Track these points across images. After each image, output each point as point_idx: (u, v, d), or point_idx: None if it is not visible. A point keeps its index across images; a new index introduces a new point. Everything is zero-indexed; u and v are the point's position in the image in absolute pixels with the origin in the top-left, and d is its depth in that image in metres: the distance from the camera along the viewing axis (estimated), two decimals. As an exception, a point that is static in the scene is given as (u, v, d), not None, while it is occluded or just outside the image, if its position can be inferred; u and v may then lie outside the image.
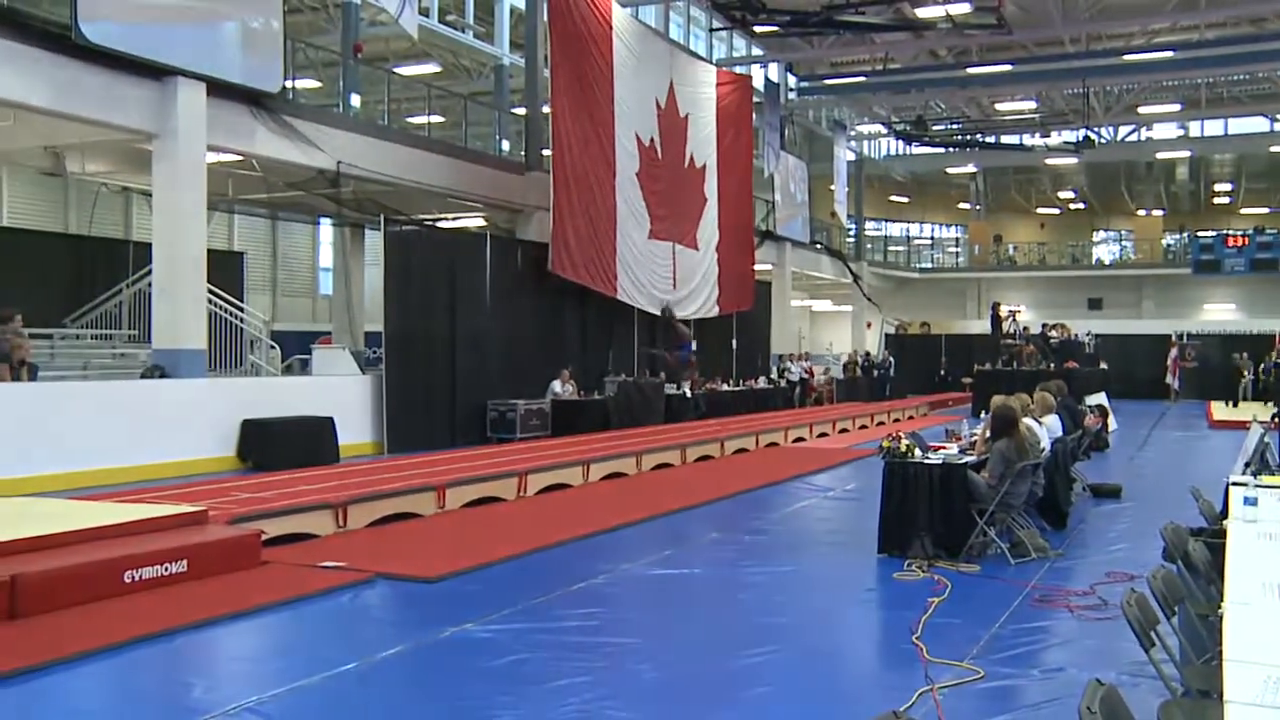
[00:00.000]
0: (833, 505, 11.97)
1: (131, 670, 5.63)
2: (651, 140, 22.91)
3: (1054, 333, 29.20)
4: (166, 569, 7.11)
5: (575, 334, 20.99)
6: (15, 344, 12.60)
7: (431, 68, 26.55)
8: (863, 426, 23.12)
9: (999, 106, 37.62)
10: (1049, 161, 41.35)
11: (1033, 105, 36.79)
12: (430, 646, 6.03)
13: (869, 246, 43.75)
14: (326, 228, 28.62)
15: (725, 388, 25.22)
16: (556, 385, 19.27)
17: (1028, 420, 9.24)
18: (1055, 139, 36.80)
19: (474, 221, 22.76)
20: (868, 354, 35.70)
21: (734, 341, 27.61)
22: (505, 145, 22.79)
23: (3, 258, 17.98)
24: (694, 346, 18.67)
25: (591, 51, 20.45)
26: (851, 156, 39.00)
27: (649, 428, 19.22)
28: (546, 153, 20.12)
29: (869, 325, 39.93)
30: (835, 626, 6.83)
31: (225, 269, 20.47)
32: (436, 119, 23.70)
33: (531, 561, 8.40)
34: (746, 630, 6.46)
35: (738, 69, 29.35)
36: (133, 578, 6.89)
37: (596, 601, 7.15)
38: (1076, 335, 30.05)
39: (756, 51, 31.27)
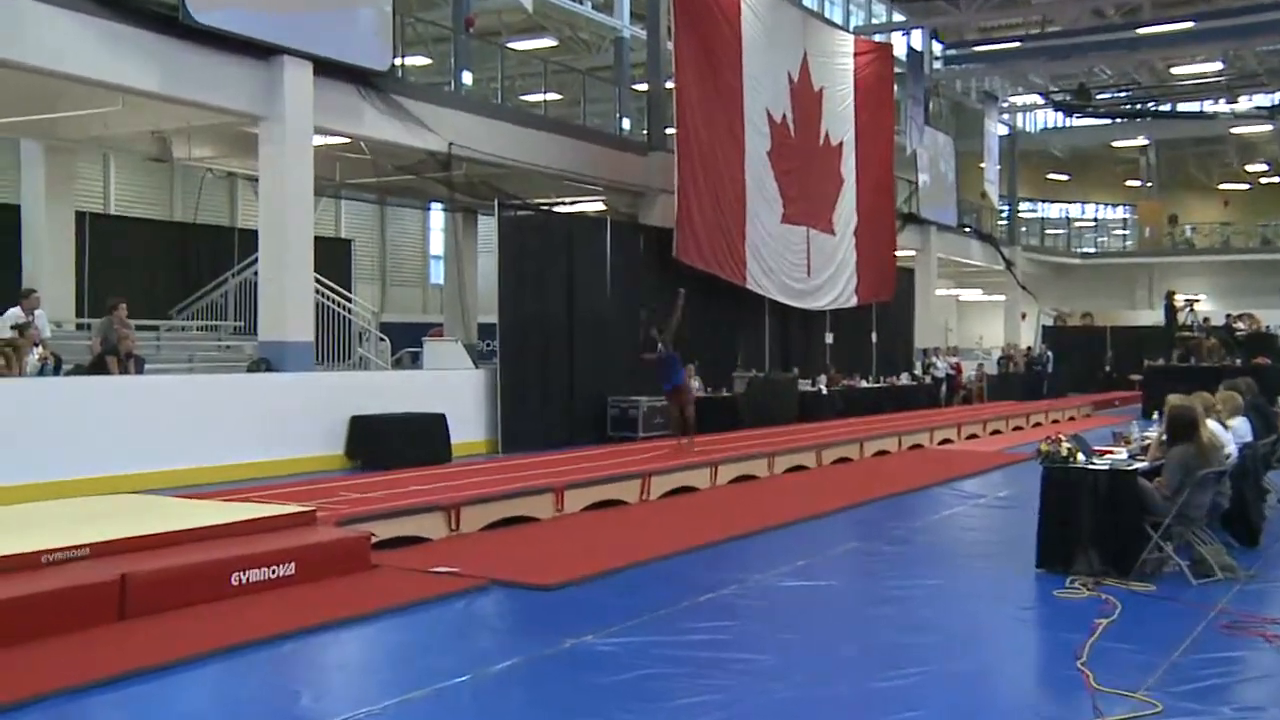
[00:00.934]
0: (984, 513, 11.69)
1: (239, 676, 5.80)
2: (783, 116, 22.71)
3: (1240, 324, 28.01)
4: (274, 572, 7.32)
5: (702, 325, 20.91)
6: (121, 335, 13.16)
7: (547, 42, 26.83)
8: (1017, 428, 22.54)
9: (1176, 70, 36.20)
10: (1236, 130, 39.59)
11: (1218, 67, 35.27)
12: (548, 659, 6.07)
13: (1023, 230, 42.64)
14: (437, 213, 29.18)
15: (864, 384, 24.90)
16: (681, 381, 19.17)
17: (1211, 423, 8.84)
18: (1244, 104, 35.21)
19: (593, 205, 22.91)
20: (1028, 349, 34.80)
21: (874, 335, 27.22)
22: (626, 124, 22.88)
23: (110, 246, 18.80)
24: (681, 372, 15.52)
25: (718, 21, 20.36)
26: (1004, 131, 38.06)
27: (781, 427, 19.08)
28: (670, 131, 20.12)
29: (1024, 316, 38.91)
30: (988, 647, 6.65)
31: (333, 257, 21.06)
32: (553, 96, 23.93)
33: (655, 570, 8.41)
34: (888, 649, 6.33)
35: (877, 37, 28.90)
36: (240, 580, 7.11)
37: (725, 614, 7.11)
38: (1267, 327, 28.73)
39: (898, 17, 30.76)
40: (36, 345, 12.58)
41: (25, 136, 16.91)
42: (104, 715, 5.21)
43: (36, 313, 13.19)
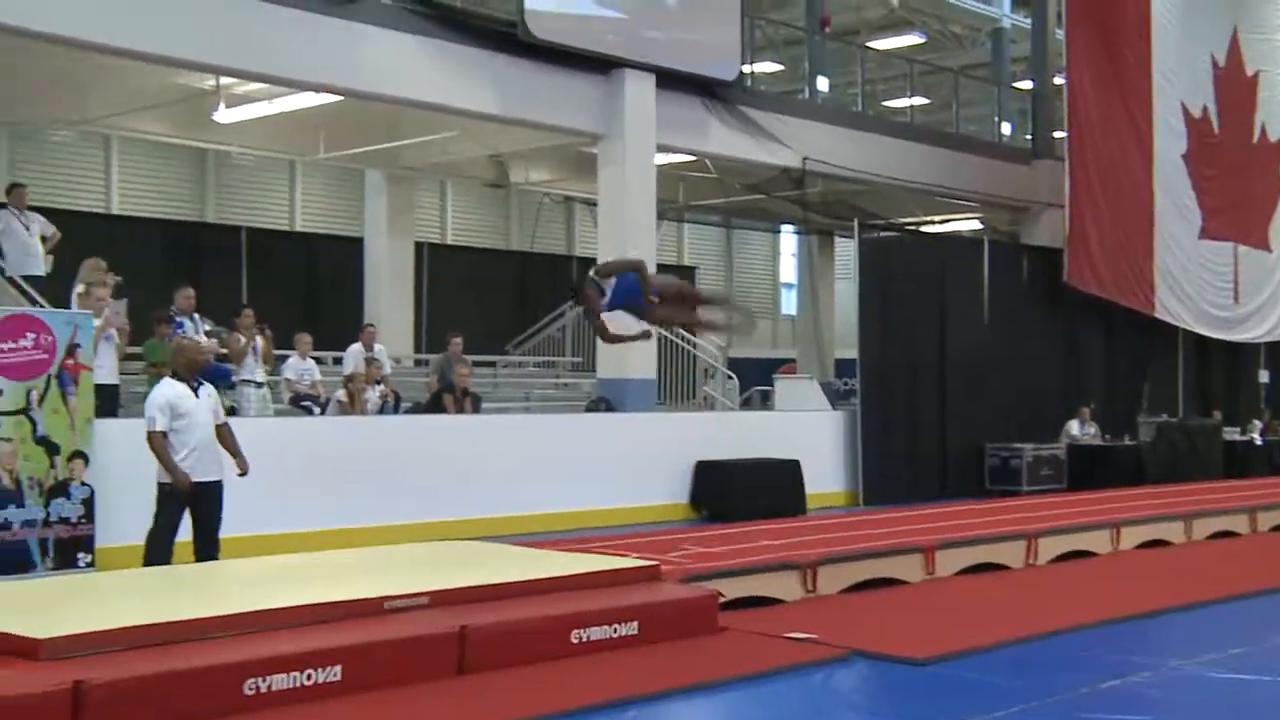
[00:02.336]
0: None
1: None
2: (1204, 110, 21.36)
3: None
4: (616, 630, 7.51)
5: (1098, 362, 20.00)
6: (459, 372, 14.07)
7: (913, 39, 26.59)
8: None
9: None
10: None
11: None
12: (921, 746, 5.91)
13: None
14: (789, 236, 29.45)
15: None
16: (1074, 426, 18.49)
17: None
18: None
19: (968, 224, 22.46)
20: None
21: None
22: (1006, 129, 22.28)
23: (448, 277, 20.19)
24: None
25: (1120, 3, 19.47)
26: None
27: (1200, 484, 17.84)
28: (1060, 135, 19.44)
29: None
30: None
31: (676, 287, 21.54)
32: (920, 101, 23.66)
33: (1046, 647, 8.02)
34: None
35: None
36: (580, 638, 7.34)
37: (1135, 705, 6.67)
38: None
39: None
40: (378, 382, 13.65)
41: (368, 167, 18.48)
42: (442, 774, 5.51)
43: (377, 348, 14.33)
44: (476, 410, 13.87)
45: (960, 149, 20.09)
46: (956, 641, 7.89)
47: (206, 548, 8.75)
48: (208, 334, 12.89)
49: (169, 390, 8.58)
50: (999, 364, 17.99)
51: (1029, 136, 21.47)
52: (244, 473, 8.86)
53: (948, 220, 22.34)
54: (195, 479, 8.53)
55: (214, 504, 8.73)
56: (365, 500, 11.71)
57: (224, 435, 8.88)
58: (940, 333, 17.42)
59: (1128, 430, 19.47)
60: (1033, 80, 21.43)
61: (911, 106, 22.86)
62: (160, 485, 8.56)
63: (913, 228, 21.06)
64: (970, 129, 22.54)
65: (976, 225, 22.69)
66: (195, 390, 8.69)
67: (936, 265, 17.66)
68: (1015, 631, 8.26)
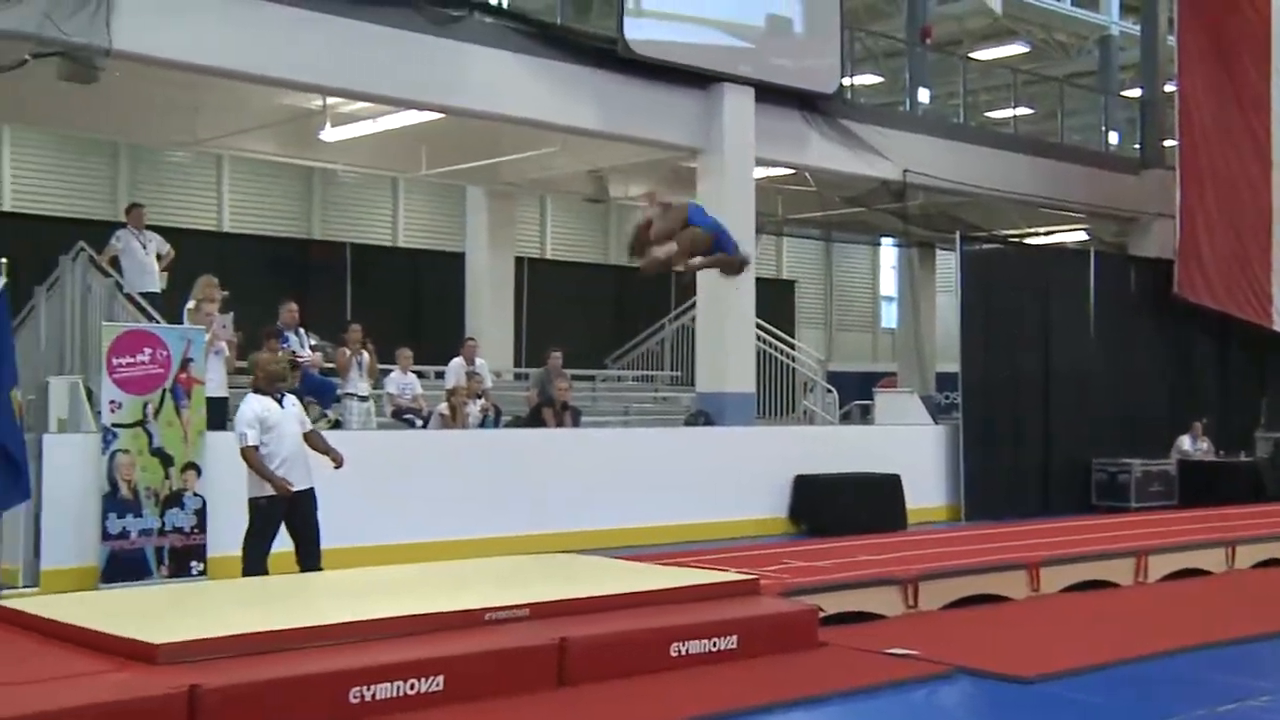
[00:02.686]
0: None
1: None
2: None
3: None
4: (715, 644, 7.52)
5: (1211, 375, 19.54)
6: (559, 386, 14.19)
7: (1017, 48, 26.28)
8: None
9: None
10: None
11: None
12: (1026, 765, 5.84)
13: None
14: (889, 249, 29.26)
15: None
16: (1186, 441, 18.10)
17: None
18: None
19: (1073, 235, 22.14)
20: None
21: None
22: (1113, 138, 21.91)
23: (547, 292, 20.38)
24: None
25: (1237, 3, 19.02)
26: None
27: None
28: (1170, 144, 19.08)
29: None
30: None
31: (775, 300, 21.61)
32: (1024, 111, 23.36)
33: (1157, 668, 7.86)
34: None
35: None
36: (679, 651, 7.36)
37: (1253, 730, 6.53)
38: None
39: None
40: (479, 396, 13.82)
41: (470, 183, 18.75)
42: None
43: (478, 362, 14.51)
44: (576, 424, 13.98)
45: (1065, 159, 19.80)
46: (1063, 660, 7.77)
47: (309, 558, 8.92)
48: (313, 348, 13.18)
49: (256, 405, 8.76)
50: (1105, 377, 17.68)
51: (1137, 145, 21.08)
52: (339, 464, 8.99)
53: (1052, 231, 22.03)
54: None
55: (309, 513, 8.90)
56: (465, 513, 11.87)
57: (313, 439, 9.05)
58: (1044, 345, 17.18)
59: (1243, 446, 18.99)
60: (1142, 88, 21.05)
61: (1015, 117, 22.56)
62: (253, 500, 8.74)
63: (1016, 239, 20.78)
64: (1075, 139, 22.22)
65: (1082, 236, 22.33)
66: (280, 402, 8.87)
67: (1041, 277, 17.42)
68: (1125, 651, 8.11)
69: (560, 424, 13.79)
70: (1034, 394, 17.03)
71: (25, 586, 9.68)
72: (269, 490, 8.62)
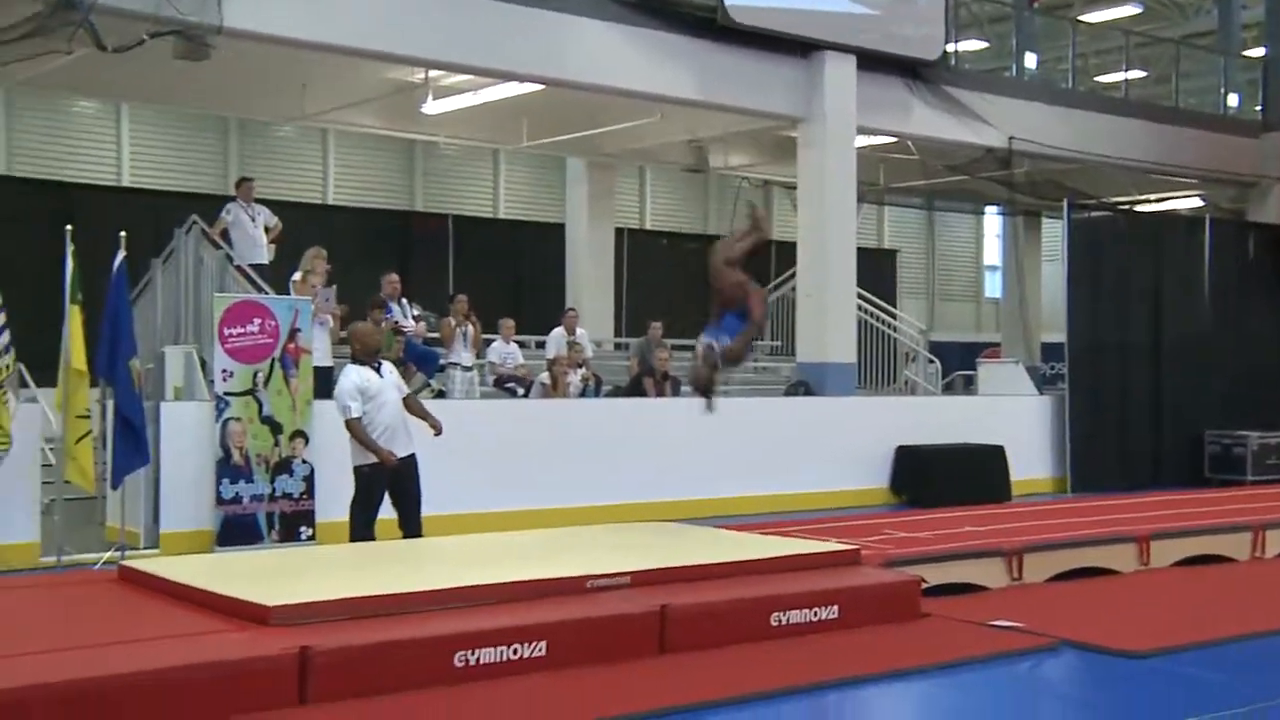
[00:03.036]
0: None
1: (780, 723, 6.04)
2: None
3: None
4: (815, 614, 7.52)
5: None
6: (659, 356, 14.23)
7: (1129, 10, 25.67)
8: None
9: None
10: None
11: None
12: (1134, 740, 5.77)
13: None
14: (992, 218, 28.82)
15: None
16: (1304, 414, 17.61)
17: None
18: None
19: (1187, 201, 21.60)
20: None
21: None
22: (1233, 100, 21.28)
23: (646, 262, 20.42)
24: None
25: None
26: None
27: None
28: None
29: None
30: None
31: (877, 270, 21.45)
32: (1136, 74, 22.80)
33: (1274, 645, 7.70)
34: None
35: None
36: (780, 620, 7.38)
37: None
38: None
39: None
40: (580, 366, 13.92)
41: (570, 154, 18.83)
42: (645, 750, 5.64)
43: (579, 332, 14.61)
44: (676, 393, 14.01)
45: (1180, 123, 19.28)
46: (1175, 635, 7.65)
47: (410, 524, 9.07)
48: (416, 318, 13.38)
49: (355, 376, 8.85)
50: (1220, 347, 17.25)
51: (1259, 108, 20.44)
52: (439, 432, 9.10)
53: (1165, 198, 21.50)
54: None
55: (412, 479, 9.02)
56: (567, 481, 11.99)
57: (411, 405, 9.16)
58: (1156, 314, 16.81)
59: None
60: (1265, 47, 20.38)
61: (1126, 80, 22.02)
62: (357, 469, 8.87)
63: (1126, 207, 20.32)
64: (1190, 102, 21.59)
65: (1197, 202, 21.77)
66: (378, 370, 8.99)
67: (1152, 245, 17.04)
68: (1240, 627, 7.95)
69: (660, 394, 13.84)
70: (1144, 364, 16.69)
71: (146, 548, 10.02)
72: (372, 458, 8.77)
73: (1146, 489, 15.02)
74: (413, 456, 9.03)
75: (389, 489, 8.95)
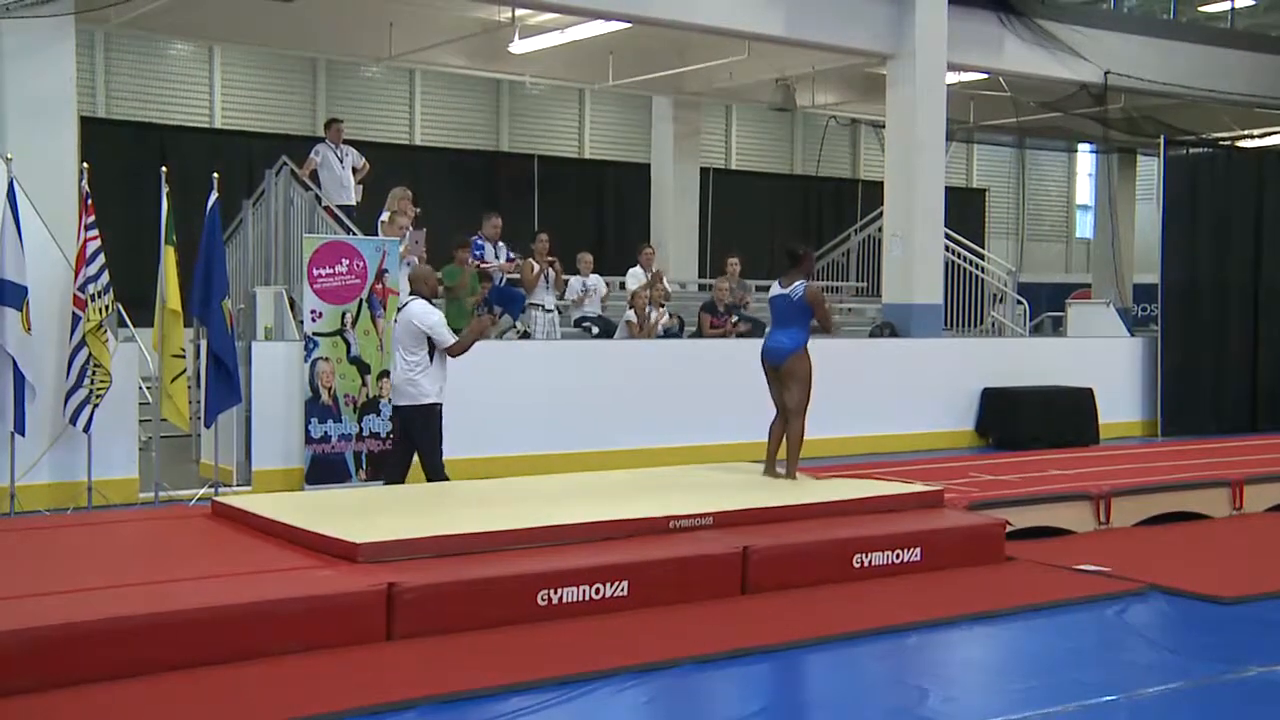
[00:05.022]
0: None
1: (860, 664, 6.04)
2: None
3: None
4: (898, 556, 7.51)
5: None
6: (739, 296, 14.15)
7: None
8: None
9: None
10: None
11: None
12: (1222, 686, 5.69)
13: None
14: (1084, 156, 28.20)
15: None
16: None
17: None
18: None
19: (1291, 137, 20.95)
20: None
21: None
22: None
23: (731, 202, 20.28)
24: None
25: None
26: None
27: None
28: None
29: None
30: None
31: (965, 210, 21.10)
32: (1243, 3, 22.00)
33: (1369, 593, 7.54)
34: None
35: None
36: (862, 562, 7.38)
37: None
38: None
39: None
40: (662, 304, 13.88)
41: (655, 93, 18.72)
42: (724, 688, 5.66)
43: (657, 271, 14.54)
44: (754, 334, 13.94)
45: (1283, 54, 18.69)
46: (1267, 582, 7.53)
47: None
48: (509, 259, 13.40)
49: (432, 308, 8.95)
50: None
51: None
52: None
53: (1268, 133, 20.86)
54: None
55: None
56: (650, 422, 12.01)
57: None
58: (1255, 254, 16.34)
59: None
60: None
61: (1232, 9, 21.25)
62: (434, 406, 8.79)
63: (1227, 143, 19.75)
64: (1300, 32, 20.87)
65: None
66: None
67: (1254, 182, 16.51)
68: (1334, 574, 7.80)
69: (738, 335, 13.77)
70: (1242, 305, 16.26)
71: (239, 485, 10.24)
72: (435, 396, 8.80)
73: (1242, 433, 14.74)
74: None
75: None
